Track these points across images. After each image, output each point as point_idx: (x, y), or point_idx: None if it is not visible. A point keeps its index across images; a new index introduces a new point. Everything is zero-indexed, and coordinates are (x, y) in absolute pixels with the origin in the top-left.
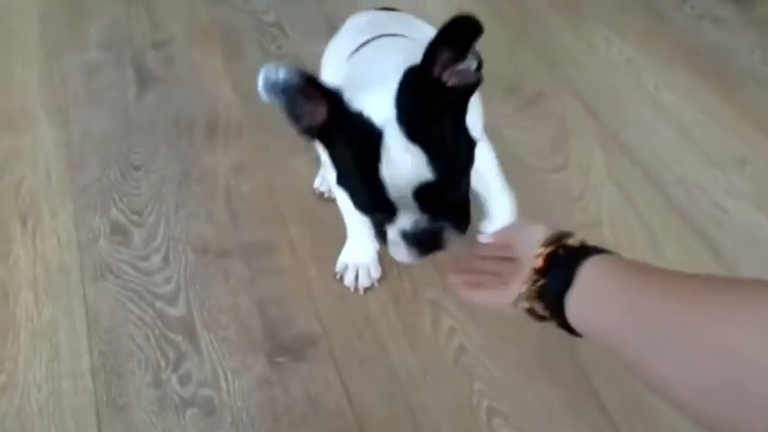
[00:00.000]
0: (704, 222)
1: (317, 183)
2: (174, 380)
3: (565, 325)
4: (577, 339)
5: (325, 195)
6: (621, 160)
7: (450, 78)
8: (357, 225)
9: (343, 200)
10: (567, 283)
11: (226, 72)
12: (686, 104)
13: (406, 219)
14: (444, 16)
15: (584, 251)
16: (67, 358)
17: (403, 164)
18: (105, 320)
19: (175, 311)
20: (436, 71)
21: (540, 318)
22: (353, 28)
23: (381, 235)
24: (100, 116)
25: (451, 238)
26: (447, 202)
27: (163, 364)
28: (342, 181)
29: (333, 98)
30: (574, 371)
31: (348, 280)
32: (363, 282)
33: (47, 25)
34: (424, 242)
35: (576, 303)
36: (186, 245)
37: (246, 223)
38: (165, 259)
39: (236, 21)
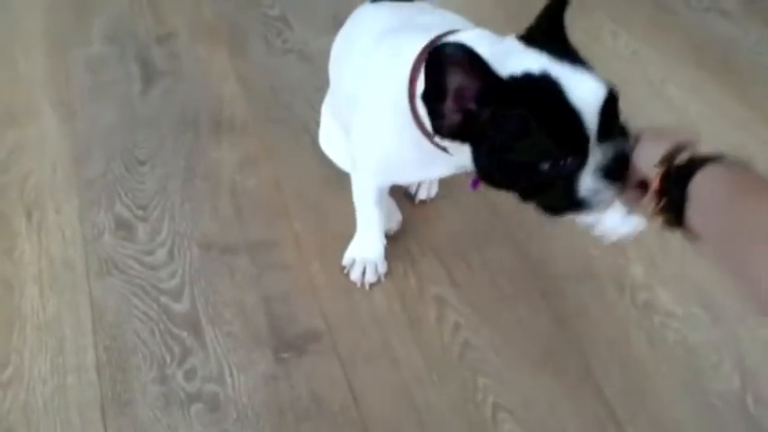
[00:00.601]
0: None
1: (355, 276)
2: (180, 375)
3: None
4: (581, 332)
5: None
6: None
7: None
8: (368, 218)
9: (365, 192)
10: (681, 202)
11: (231, 66)
12: (693, 98)
13: (598, 153)
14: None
15: (694, 166)
16: (72, 353)
17: (586, 81)
18: (110, 315)
19: (180, 307)
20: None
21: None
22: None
23: (570, 201)
24: (105, 111)
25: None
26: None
27: (168, 360)
28: (525, 146)
29: (485, 69)
30: (578, 365)
31: (355, 275)
32: (370, 277)
33: (51, 19)
34: (622, 167)
35: (696, 217)
36: (191, 240)
37: (251, 219)
38: (170, 254)
39: (241, 15)
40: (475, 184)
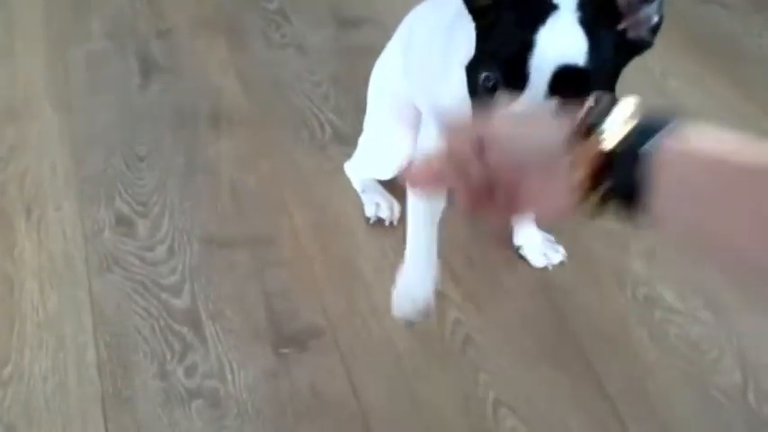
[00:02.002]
0: None
1: (369, 212)
2: (180, 371)
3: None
4: (582, 327)
5: (387, 222)
6: None
7: (628, 24)
8: (421, 248)
9: (415, 216)
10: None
11: (230, 61)
12: (693, 91)
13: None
14: None
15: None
16: (73, 350)
17: (565, 34)
18: (111, 312)
19: (180, 303)
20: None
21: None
22: None
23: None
24: (104, 106)
25: None
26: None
27: (168, 356)
28: (484, 46)
29: None
30: (579, 360)
31: (399, 313)
32: (412, 317)
33: (50, 15)
34: None
35: (667, 204)
36: (191, 236)
37: (251, 214)
38: (171, 250)
39: (240, 9)
40: None
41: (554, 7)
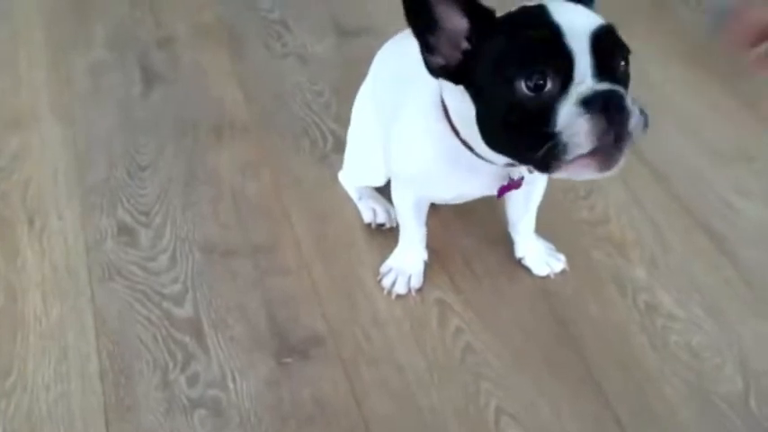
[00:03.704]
0: (712, 219)
1: (368, 218)
2: (182, 381)
3: None
4: (582, 335)
5: (386, 225)
6: (628, 157)
7: None
8: (408, 232)
9: (403, 206)
10: None
11: (231, 71)
12: (692, 100)
13: (583, 84)
14: None
15: None
16: (76, 359)
17: (573, 8)
18: (113, 321)
19: (182, 312)
20: None
21: None
22: None
23: (544, 133)
24: (106, 115)
25: (633, 117)
26: (618, 77)
27: (171, 365)
28: (505, 66)
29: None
30: (580, 368)
31: (386, 282)
32: (399, 288)
33: (52, 26)
34: (612, 107)
35: None
36: (193, 245)
37: (253, 223)
38: (173, 259)
39: (241, 19)
40: (501, 192)
41: (540, 6)
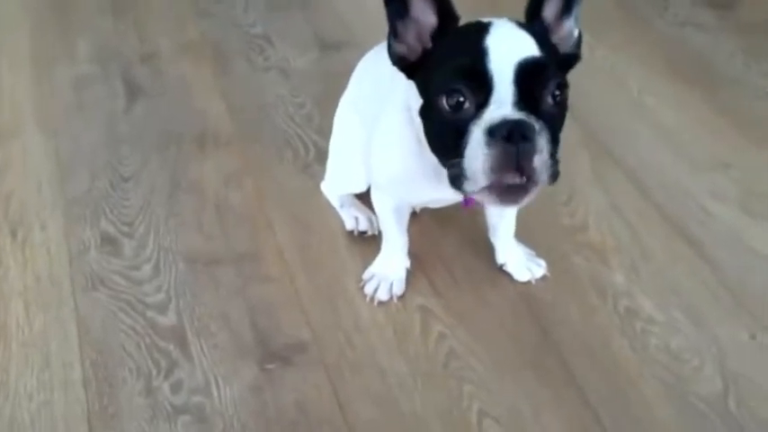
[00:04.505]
0: (690, 225)
1: (350, 226)
2: (166, 388)
3: None
4: (564, 339)
5: (368, 233)
6: (607, 165)
7: (557, 40)
8: (390, 238)
9: (384, 212)
10: None
11: (214, 84)
12: (670, 109)
13: (497, 110)
14: None
15: None
16: (59, 368)
17: (513, 35)
18: (96, 330)
19: (166, 320)
20: (546, 13)
21: None
22: None
23: (456, 150)
24: (89, 129)
25: (541, 155)
26: (543, 112)
27: (154, 373)
28: (437, 77)
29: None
30: (561, 372)
31: (368, 289)
32: (381, 295)
33: (36, 40)
34: (515, 139)
35: None
36: (176, 254)
37: (236, 232)
38: (156, 269)
39: (224, 33)
40: (467, 202)
41: (489, 23)
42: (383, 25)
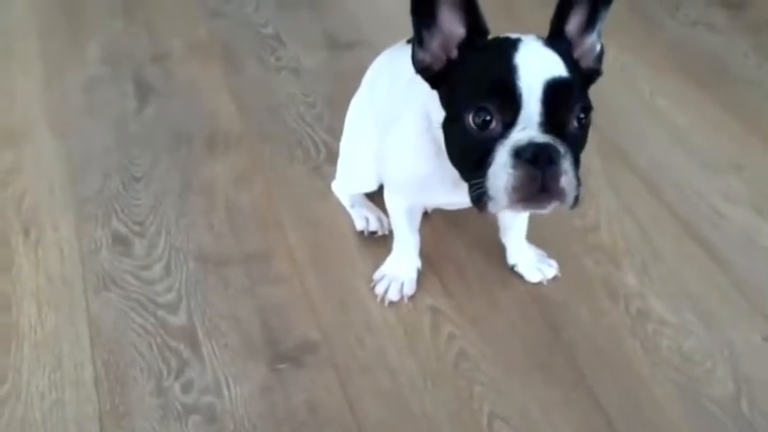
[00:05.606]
0: (702, 227)
1: (360, 226)
2: (177, 387)
3: None
4: (575, 341)
5: (378, 233)
6: (619, 166)
7: (579, 55)
8: (401, 239)
9: (396, 212)
10: None
11: (225, 84)
12: (682, 110)
13: (524, 131)
14: None
15: None
16: (70, 368)
17: (541, 53)
18: (108, 330)
19: (177, 320)
20: (569, 30)
21: None
22: None
23: (479, 168)
24: (100, 130)
25: (566, 176)
26: (567, 134)
27: (165, 372)
28: (464, 92)
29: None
30: (573, 373)
31: (379, 289)
32: (392, 295)
33: (47, 42)
34: (540, 162)
35: None
36: (187, 254)
37: (246, 232)
38: (167, 269)
39: (235, 34)
40: None
41: (517, 40)
42: (395, 25)
